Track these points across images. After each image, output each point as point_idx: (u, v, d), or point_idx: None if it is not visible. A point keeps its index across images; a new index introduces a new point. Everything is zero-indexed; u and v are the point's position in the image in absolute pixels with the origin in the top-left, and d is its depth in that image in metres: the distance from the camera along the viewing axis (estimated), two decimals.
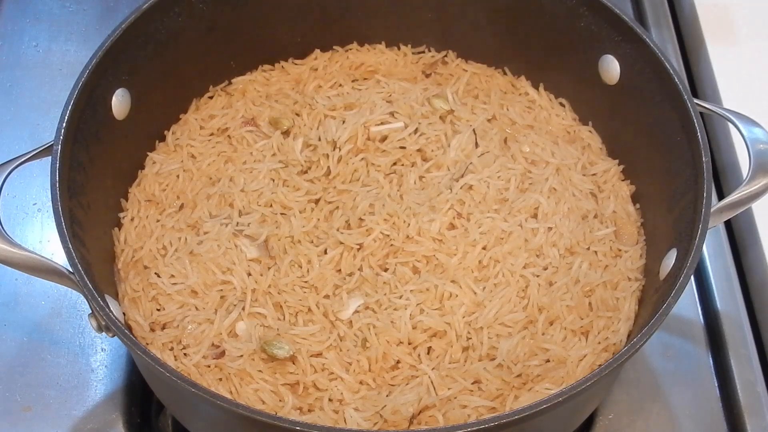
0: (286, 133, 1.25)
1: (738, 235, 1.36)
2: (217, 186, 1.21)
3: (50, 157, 1.06)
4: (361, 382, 1.08)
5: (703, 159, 1.07)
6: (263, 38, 1.31)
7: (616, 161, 1.25)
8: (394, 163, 1.22)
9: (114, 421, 1.16)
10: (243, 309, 1.10)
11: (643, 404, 1.19)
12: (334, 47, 1.35)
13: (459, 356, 1.09)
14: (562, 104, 1.31)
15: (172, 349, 1.10)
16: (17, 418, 1.16)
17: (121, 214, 1.20)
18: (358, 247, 1.14)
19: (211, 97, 1.31)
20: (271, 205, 1.19)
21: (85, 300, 1.00)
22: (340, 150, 1.21)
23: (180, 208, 1.20)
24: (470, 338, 1.09)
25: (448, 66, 1.34)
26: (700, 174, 1.07)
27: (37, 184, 1.32)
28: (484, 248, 1.14)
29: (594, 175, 1.24)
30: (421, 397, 1.05)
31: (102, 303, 0.99)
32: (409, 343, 1.09)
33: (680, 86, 1.12)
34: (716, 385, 1.22)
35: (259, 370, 1.07)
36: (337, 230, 1.15)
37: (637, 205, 1.22)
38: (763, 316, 1.28)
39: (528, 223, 1.17)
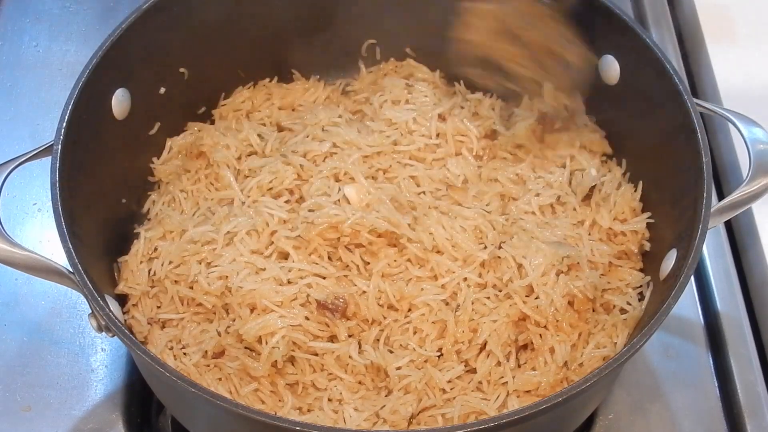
0: None
1: (738, 235, 1.36)
2: None
3: (50, 157, 1.06)
4: (360, 382, 1.08)
5: (703, 159, 1.07)
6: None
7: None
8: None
9: (114, 421, 1.16)
10: None
11: (643, 404, 1.19)
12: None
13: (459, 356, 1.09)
14: None
15: (171, 348, 1.10)
16: (17, 418, 1.15)
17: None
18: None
19: None
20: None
21: (85, 300, 1.00)
22: None
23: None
24: (471, 340, 1.09)
25: None
26: (700, 174, 1.07)
27: (37, 184, 1.32)
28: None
29: None
30: (421, 397, 1.05)
31: (102, 303, 0.99)
32: None
33: (680, 86, 1.12)
34: (716, 385, 1.21)
35: None
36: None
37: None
38: (763, 316, 1.28)
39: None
